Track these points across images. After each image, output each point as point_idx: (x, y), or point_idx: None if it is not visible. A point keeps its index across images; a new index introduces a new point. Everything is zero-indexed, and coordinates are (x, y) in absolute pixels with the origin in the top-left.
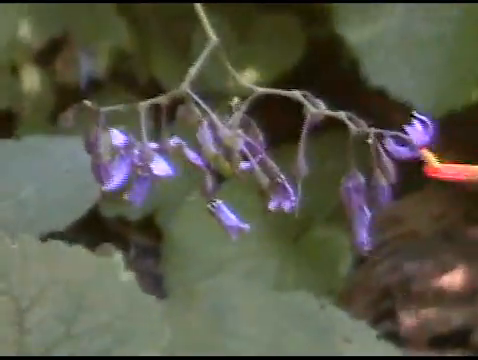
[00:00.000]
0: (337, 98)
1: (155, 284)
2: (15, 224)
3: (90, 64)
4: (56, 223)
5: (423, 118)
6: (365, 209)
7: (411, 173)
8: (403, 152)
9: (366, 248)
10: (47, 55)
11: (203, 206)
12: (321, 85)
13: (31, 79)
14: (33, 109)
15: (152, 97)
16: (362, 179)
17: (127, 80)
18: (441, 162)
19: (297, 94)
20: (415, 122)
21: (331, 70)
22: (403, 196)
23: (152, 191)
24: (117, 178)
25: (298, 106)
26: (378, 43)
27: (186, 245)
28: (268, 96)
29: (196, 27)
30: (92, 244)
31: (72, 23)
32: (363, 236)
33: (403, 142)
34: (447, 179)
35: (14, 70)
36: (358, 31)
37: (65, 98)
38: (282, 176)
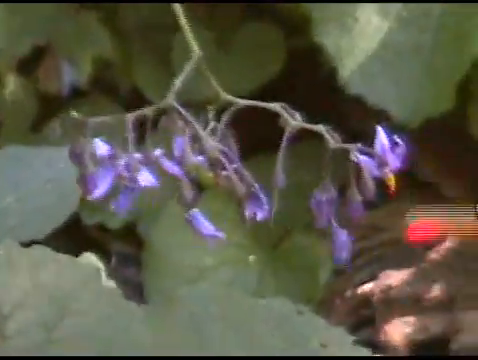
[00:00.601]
0: (316, 105)
1: (136, 292)
2: None
3: (72, 73)
4: (36, 231)
5: (394, 137)
6: (335, 222)
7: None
8: (375, 170)
9: (345, 262)
10: (30, 64)
11: (183, 214)
12: (300, 93)
13: (13, 87)
14: (15, 117)
15: (134, 105)
16: (334, 192)
17: (109, 88)
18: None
19: (277, 107)
20: (385, 140)
21: (310, 78)
22: (381, 205)
23: (134, 199)
24: (102, 188)
25: (270, 116)
26: (355, 52)
27: (166, 253)
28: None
29: (177, 37)
30: (73, 252)
31: (55, 32)
32: (343, 253)
33: (375, 159)
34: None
35: None
36: (336, 40)
37: (47, 106)
38: (256, 185)
